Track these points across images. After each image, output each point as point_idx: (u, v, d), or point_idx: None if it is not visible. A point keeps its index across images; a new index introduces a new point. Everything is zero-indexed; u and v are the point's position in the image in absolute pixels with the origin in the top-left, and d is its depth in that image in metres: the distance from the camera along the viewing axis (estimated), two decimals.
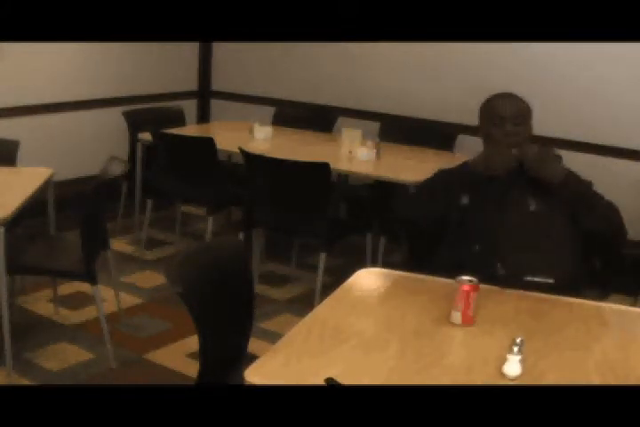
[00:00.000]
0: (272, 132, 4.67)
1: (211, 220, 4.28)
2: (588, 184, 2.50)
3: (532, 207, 2.46)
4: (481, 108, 2.57)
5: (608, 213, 2.47)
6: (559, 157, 2.49)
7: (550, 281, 2.38)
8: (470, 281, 2.06)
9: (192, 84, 6.02)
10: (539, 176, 2.41)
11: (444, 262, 2.49)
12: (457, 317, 2.06)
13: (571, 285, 2.41)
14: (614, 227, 2.48)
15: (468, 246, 2.47)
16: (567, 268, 2.44)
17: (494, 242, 2.44)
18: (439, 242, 2.55)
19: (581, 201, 2.43)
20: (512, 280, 2.36)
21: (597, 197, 2.48)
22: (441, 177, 2.63)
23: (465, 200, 2.49)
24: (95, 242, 3.22)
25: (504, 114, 2.47)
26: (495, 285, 2.31)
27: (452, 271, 2.18)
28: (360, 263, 3.43)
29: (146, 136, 4.49)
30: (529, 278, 2.38)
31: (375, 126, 4.88)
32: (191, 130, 4.92)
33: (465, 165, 2.60)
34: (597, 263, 2.65)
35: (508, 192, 2.48)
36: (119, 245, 4.57)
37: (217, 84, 6.05)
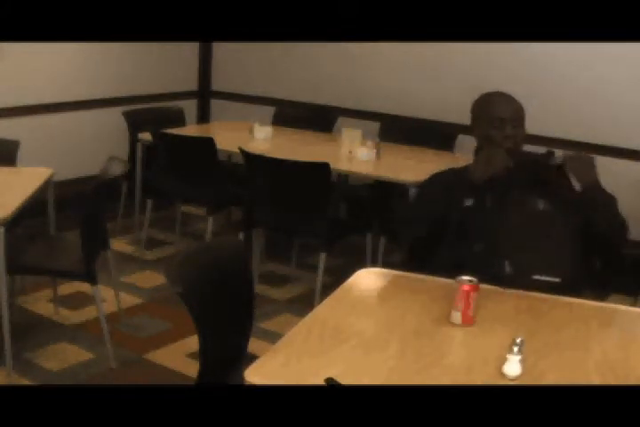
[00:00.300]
0: (272, 132, 4.67)
1: (211, 220, 4.28)
2: (612, 199, 2.50)
3: (541, 206, 2.46)
4: (476, 108, 2.55)
5: (612, 220, 2.47)
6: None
7: (557, 280, 2.38)
8: (470, 281, 2.06)
9: (192, 84, 6.02)
10: (568, 176, 2.40)
11: (445, 262, 2.49)
12: (457, 317, 2.06)
13: (573, 284, 2.41)
14: (615, 230, 2.48)
15: (470, 246, 2.47)
16: (570, 267, 2.44)
17: (499, 242, 2.44)
18: (439, 242, 2.54)
19: (594, 213, 2.43)
20: (519, 279, 2.36)
21: (615, 212, 2.49)
22: (438, 178, 2.61)
23: (467, 202, 2.48)
24: (95, 242, 3.22)
25: (504, 116, 2.46)
26: (501, 284, 2.31)
27: (452, 271, 2.17)
28: (360, 263, 3.43)
29: (146, 136, 4.49)
30: (537, 277, 2.38)
31: (375, 126, 4.88)
32: (191, 130, 4.92)
33: (465, 169, 2.59)
34: (597, 263, 2.65)
35: (509, 192, 2.48)
36: (119, 245, 4.57)
37: (217, 84, 6.05)
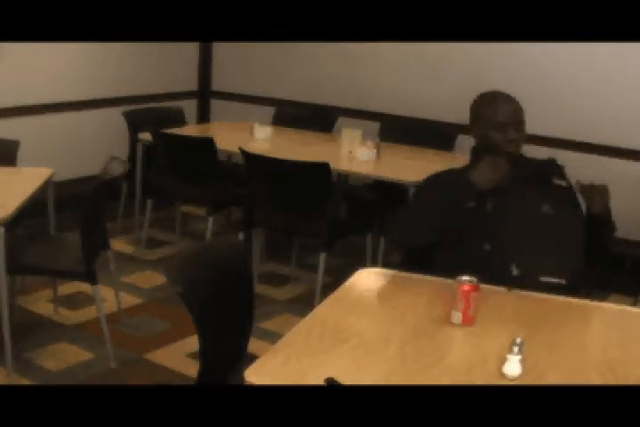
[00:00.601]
0: (272, 132, 4.67)
1: (211, 220, 4.28)
2: (612, 231, 2.53)
3: (544, 209, 2.45)
4: (476, 108, 2.52)
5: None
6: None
7: (563, 282, 2.38)
8: (470, 281, 2.06)
9: (192, 84, 6.02)
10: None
11: (446, 264, 2.47)
12: (457, 317, 2.06)
13: (578, 286, 2.41)
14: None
15: (473, 248, 2.45)
16: (574, 268, 2.44)
17: (504, 244, 2.42)
18: (437, 244, 2.53)
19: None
20: (526, 281, 2.35)
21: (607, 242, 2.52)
22: (437, 179, 2.59)
23: (469, 204, 2.45)
24: (95, 242, 3.22)
25: (506, 119, 2.43)
26: (508, 286, 2.31)
27: (454, 273, 2.15)
28: (360, 263, 3.43)
29: (146, 136, 4.49)
30: (544, 279, 2.37)
31: (375, 126, 4.88)
32: (191, 130, 4.92)
33: (465, 169, 2.57)
34: (598, 264, 2.65)
35: (511, 195, 2.46)
36: (119, 245, 4.57)
37: (217, 84, 6.05)
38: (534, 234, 2.44)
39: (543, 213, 2.46)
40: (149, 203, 4.56)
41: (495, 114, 2.45)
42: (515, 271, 2.39)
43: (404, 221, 2.49)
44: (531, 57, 4.55)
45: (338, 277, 2.51)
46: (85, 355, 3.31)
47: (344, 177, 4.70)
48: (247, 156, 3.86)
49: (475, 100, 2.55)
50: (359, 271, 2.43)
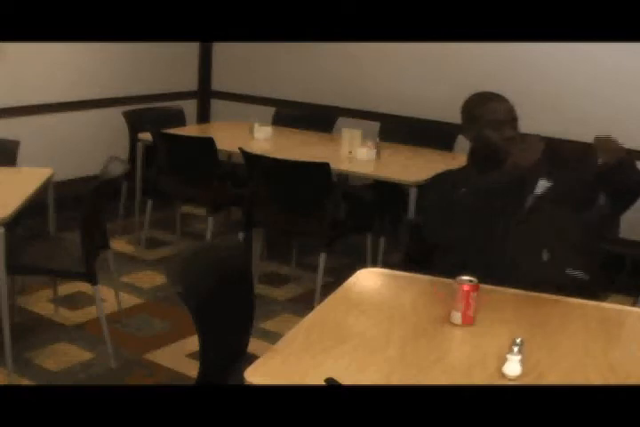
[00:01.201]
0: (272, 132, 4.67)
1: (211, 220, 4.28)
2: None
3: (546, 205, 2.44)
4: (470, 109, 2.52)
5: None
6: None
7: (586, 278, 2.38)
8: (470, 281, 2.06)
9: (192, 84, 6.02)
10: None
11: (446, 264, 2.46)
12: (457, 317, 2.06)
13: (593, 286, 2.42)
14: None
15: (473, 248, 2.44)
16: (584, 267, 2.44)
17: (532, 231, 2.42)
18: (437, 245, 2.52)
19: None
20: (554, 270, 2.34)
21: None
22: (442, 179, 2.59)
23: (474, 202, 2.45)
24: (95, 242, 3.22)
25: (502, 118, 2.44)
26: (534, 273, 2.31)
27: (453, 273, 2.15)
28: (360, 263, 3.43)
29: (146, 136, 4.49)
30: (570, 271, 2.37)
31: (375, 126, 4.88)
32: (191, 130, 4.92)
33: (464, 169, 2.56)
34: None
35: (512, 194, 2.45)
36: (119, 245, 4.57)
37: (217, 84, 6.05)
38: (548, 235, 2.43)
39: (547, 209, 2.44)
40: (149, 203, 4.56)
41: (489, 113, 2.46)
42: (545, 256, 2.38)
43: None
44: (531, 57, 4.55)
45: (338, 277, 2.51)
46: (85, 355, 3.31)
47: (344, 177, 4.69)
48: (247, 156, 3.86)
49: (465, 102, 2.54)
50: (359, 271, 2.43)
